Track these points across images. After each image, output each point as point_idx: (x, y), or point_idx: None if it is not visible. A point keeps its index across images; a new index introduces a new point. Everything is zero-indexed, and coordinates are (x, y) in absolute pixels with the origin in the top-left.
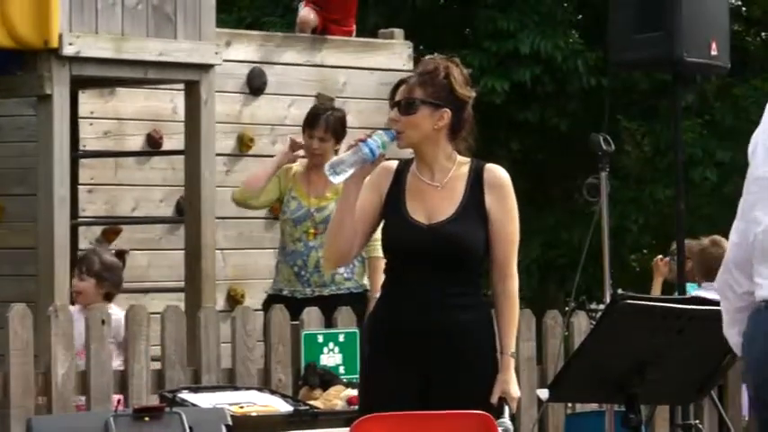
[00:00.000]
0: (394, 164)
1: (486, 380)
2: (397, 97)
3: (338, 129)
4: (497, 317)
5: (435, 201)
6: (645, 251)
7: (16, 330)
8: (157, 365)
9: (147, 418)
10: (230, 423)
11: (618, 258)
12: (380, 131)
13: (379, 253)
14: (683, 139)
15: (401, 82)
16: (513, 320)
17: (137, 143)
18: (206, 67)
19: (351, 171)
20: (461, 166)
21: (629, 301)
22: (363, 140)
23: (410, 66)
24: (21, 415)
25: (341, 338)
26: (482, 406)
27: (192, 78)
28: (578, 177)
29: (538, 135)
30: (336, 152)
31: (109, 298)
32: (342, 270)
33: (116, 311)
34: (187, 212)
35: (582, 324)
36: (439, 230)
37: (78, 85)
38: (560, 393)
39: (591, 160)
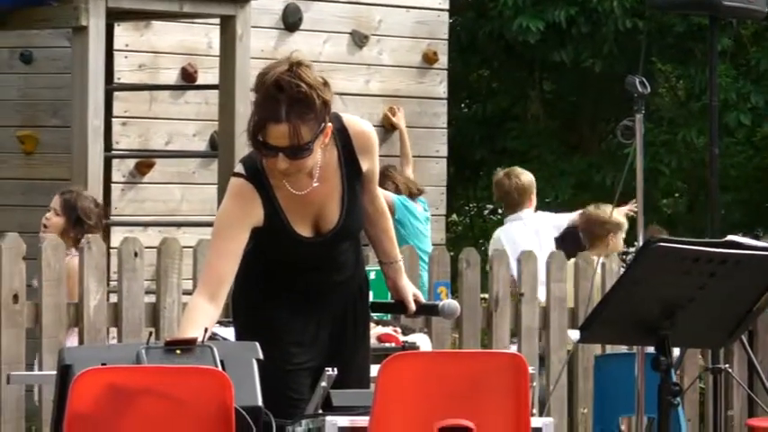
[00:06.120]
0: (251, 188)
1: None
2: (275, 141)
3: None
4: (379, 231)
5: (317, 206)
6: (677, 195)
7: (49, 261)
8: (188, 299)
9: (178, 351)
10: (261, 357)
11: (649, 201)
12: None
13: None
14: (718, 82)
15: (264, 121)
16: (392, 229)
17: (171, 77)
18: (242, 2)
19: None
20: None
21: (661, 244)
22: None
23: (446, 5)
24: (53, 345)
25: (372, 276)
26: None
27: (227, 13)
28: (611, 119)
29: (572, 76)
30: None
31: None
32: None
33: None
34: (221, 147)
35: (613, 266)
36: (329, 244)
37: (114, 17)
38: (591, 335)
39: (624, 102)
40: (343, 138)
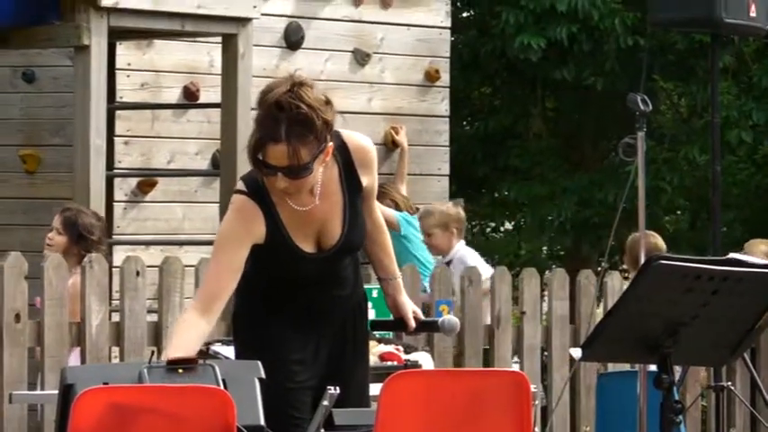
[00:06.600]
0: (253, 205)
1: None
2: (274, 161)
3: None
4: (377, 248)
5: (319, 223)
6: (678, 212)
7: (51, 280)
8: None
9: (180, 370)
10: (263, 376)
11: (651, 219)
12: None
13: None
14: (720, 100)
15: (264, 140)
16: (390, 245)
17: (173, 95)
18: (243, 21)
19: None
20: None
21: (663, 261)
22: None
23: (448, 23)
24: (55, 364)
25: (374, 294)
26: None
27: (229, 32)
28: (613, 137)
29: (573, 94)
30: None
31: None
32: None
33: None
34: (222, 166)
35: (615, 284)
36: (331, 260)
37: (116, 36)
38: (593, 353)
39: (626, 120)
40: (343, 154)
